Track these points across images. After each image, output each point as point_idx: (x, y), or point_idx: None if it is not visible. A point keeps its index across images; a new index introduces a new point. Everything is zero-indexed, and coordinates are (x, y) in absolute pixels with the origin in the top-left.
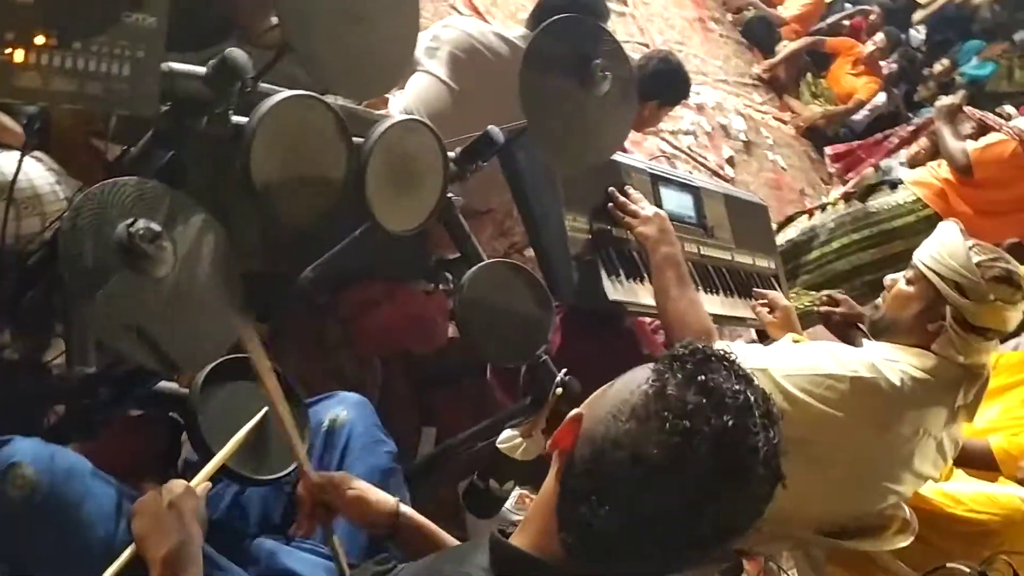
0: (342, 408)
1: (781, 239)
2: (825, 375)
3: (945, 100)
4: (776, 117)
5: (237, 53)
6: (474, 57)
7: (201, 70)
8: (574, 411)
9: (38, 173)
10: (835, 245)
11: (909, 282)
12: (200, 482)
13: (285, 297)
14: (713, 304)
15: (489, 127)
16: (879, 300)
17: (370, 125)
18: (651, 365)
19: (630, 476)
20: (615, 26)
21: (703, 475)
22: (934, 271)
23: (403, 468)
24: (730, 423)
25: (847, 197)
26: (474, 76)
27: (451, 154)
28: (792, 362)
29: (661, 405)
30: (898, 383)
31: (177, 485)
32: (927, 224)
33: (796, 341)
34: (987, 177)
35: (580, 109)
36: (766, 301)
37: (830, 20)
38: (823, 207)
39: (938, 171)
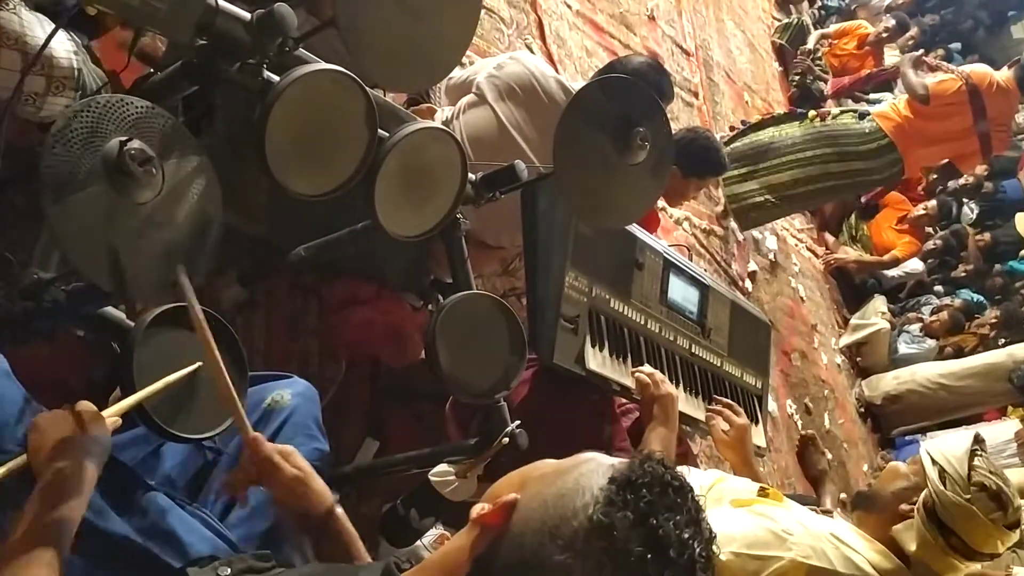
0: (288, 391)
1: (752, 139)
2: (767, 556)
3: (912, 54)
4: (810, 248)
5: (286, 10)
6: (530, 96)
7: (246, 15)
8: (510, 496)
9: (67, 50)
10: (807, 154)
11: (908, 463)
12: (111, 415)
13: (272, 268)
14: (688, 405)
15: (516, 161)
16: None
17: (401, 124)
18: (602, 479)
19: None
20: (681, 115)
21: None
22: (931, 455)
23: (334, 471)
24: None
25: (823, 116)
26: (524, 114)
27: (472, 177)
28: (736, 532)
29: (603, 545)
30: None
31: (88, 412)
32: (883, 150)
33: (763, 490)
34: (936, 108)
35: (610, 170)
36: (723, 412)
37: None
38: (801, 117)
39: (899, 108)
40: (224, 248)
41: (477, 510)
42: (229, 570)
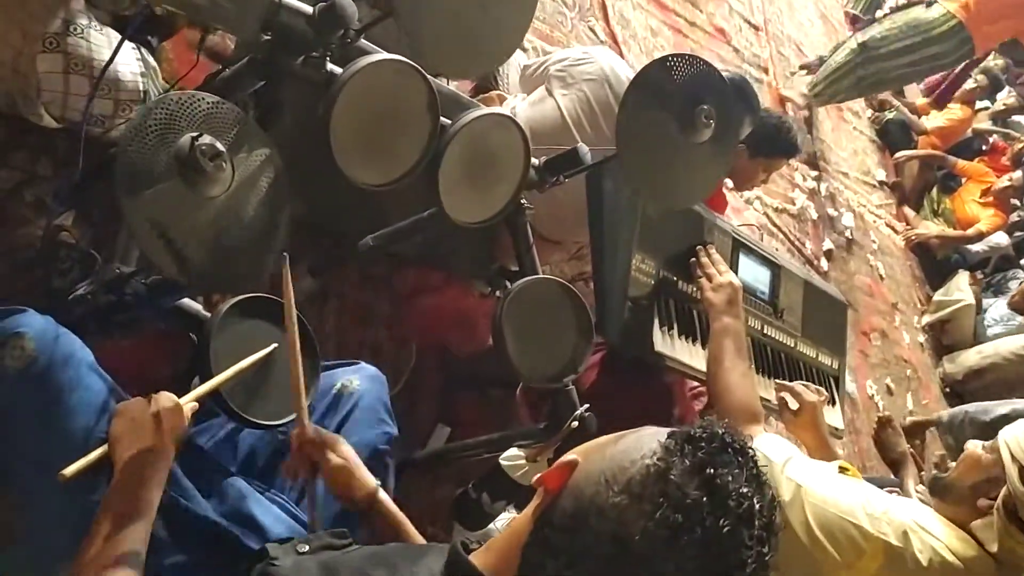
0: (356, 377)
1: (838, 56)
2: (855, 526)
3: None
4: (888, 224)
5: (346, 2)
6: (598, 93)
7: (308, 8)
8: (569, 455)
9: (133, 72)
10: (883, 51)
11: (986, 450)
12: (188, 401)
13: (341, 258)
14: (760, 387)
15: (579, 144)
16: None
17: (463, 111)
18: (662, 437)
19: (605, 553)
20: None
21: None
22: (1009, 447)
23: (406, 457)
24: (725, 529)
25: (891, 9)
26: (590, 111)
27: (535, 161)
28: (831, 495)
29: (659, 488)
30: (924, 563)
31: (165, 398)
32: (954, 30)
33: (843, 468)
34: None
35: (674, 149)
36: (792, 389)
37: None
38: (869, 22)
39: None
40: (294, 239)
41: (536, 477)
42: (308, 547)
